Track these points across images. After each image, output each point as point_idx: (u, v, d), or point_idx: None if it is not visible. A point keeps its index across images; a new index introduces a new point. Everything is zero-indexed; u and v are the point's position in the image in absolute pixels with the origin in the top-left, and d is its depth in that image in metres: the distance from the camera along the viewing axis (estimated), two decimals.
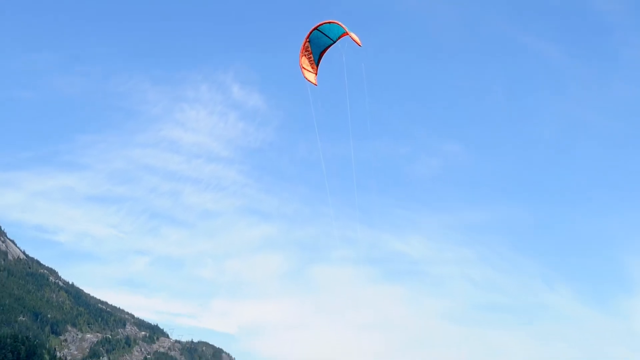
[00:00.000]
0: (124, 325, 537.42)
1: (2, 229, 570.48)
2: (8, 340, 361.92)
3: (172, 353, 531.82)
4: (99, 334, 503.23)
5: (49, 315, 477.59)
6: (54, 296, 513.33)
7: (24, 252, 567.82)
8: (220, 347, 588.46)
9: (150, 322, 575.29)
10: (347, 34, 63.98)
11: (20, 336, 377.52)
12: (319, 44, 66.25)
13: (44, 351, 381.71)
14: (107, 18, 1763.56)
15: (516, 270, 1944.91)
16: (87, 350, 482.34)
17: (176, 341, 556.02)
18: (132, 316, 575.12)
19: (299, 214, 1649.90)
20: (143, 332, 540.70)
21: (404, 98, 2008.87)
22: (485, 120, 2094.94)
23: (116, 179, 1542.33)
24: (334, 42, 66.53)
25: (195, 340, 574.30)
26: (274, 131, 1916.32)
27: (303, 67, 67.99)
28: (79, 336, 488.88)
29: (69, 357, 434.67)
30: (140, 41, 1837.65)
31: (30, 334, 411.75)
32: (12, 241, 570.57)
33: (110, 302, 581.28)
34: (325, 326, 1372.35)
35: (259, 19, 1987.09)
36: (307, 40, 66.92)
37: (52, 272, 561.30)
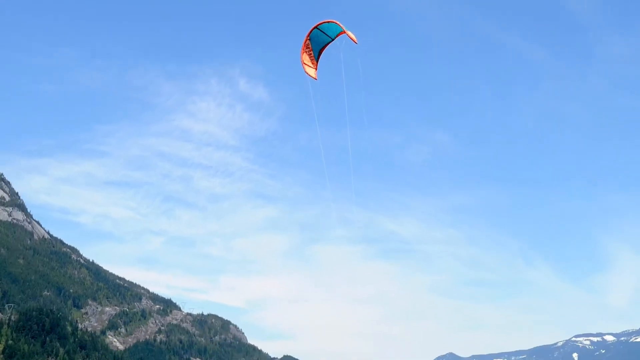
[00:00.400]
0: (140, 299, 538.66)
1: (29, 210, 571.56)
2: (34, 313, 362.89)
3: (184, 325, 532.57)
4: (117, 307, 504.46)
5: (71, 290, 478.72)
6: (76, 273, 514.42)
7: (48, 232, 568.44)
8: (228, 320, 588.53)
9: (164, 296, 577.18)
10: (345, 32, 63.77)
11: (44, 309, 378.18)
12: (318, 42, 66.00)
13: (66, 323, 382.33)
14: (125, 17, 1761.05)
15: (499, 248, 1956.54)
16: (106, 322, 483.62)
17: (188, 314, 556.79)
18: (148, 291, 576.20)
19: (301, 197, 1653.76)
20: (157, 306, 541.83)
21: (397, 91, 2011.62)
22: (471, 112, 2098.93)
23: (133, 165, 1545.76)
24: (333, 39, 66.27)
25: (205, 313, 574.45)
26: (277, 121, 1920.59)
27: (304, 63, 67.78)
28: (99, 309, 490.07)
29: (89, 329, 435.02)
30: (155, 38, 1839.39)
31: (54, 307, 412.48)
32: (38, 222, 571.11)
33: (127, 278, 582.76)
34: (324, 300, 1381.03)
35: (264, 19, 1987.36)
36: (308, 38, 66.66)
37: (74, 250, 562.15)
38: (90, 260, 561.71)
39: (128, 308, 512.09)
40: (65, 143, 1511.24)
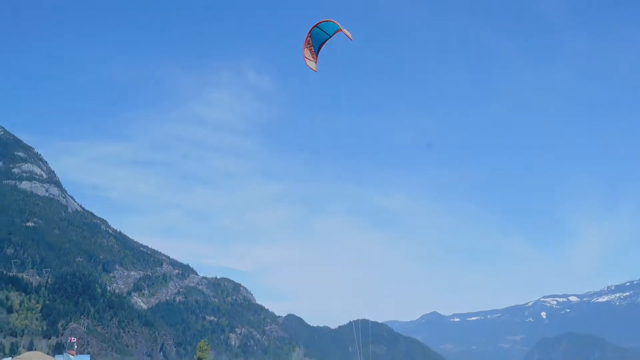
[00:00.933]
0: (161, 264, 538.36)
1: (64, 187, 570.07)
2: (68, 277, 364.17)
3: (200, 287, 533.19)
4: (141, 272, 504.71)
5: (100, 257, 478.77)
6: (105, 241, 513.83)
7: (81, 206, 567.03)
8: (238, 282, 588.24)
9: (182, 262, 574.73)
10: (341, 30, 63.28)
11: (77, 273, 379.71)
12: (318, 38, 65.44)
13: (96, 285, 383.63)
14: (149, 17, 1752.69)
15: (476, 219, 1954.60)
16: (132, 284, 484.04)
17: (203, 277, 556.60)
18: (168, 257, 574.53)
19: (302, 175, 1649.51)
20: (176, 270, 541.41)
21: (387, 81, 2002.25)
22: (452, 100, 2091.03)
23: (155, 147, 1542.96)
24: (331, 36, 65.67)
25: (218, 277, 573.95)
26: (281, 108, 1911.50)
27: (305, 57, 67.16)
28: (125, 273, 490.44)
29: (117, 290, 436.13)
30: (174, 35, 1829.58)
31: (86, 271, 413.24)
32: (72, 197, 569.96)
33: (150, 246, 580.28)
34: (322, 265, 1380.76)
35: (270, 19, 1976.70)
36: (309, 35, 66.05)
37: (104, 221, 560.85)
38: (118, 231, 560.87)
39: (151, 272, 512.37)
40: (96, 127, 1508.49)
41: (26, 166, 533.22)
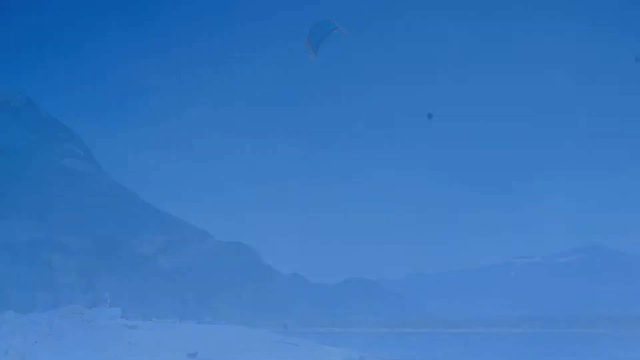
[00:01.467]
0: (184, 230, 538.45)
1: (99, 163, 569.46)
2: (103, 240, 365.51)
3: (217, 249, 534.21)
4: (166, 236, 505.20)
5: (131, 223, 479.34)
6: (135, 210, 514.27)
7: (114, 180, 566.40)
8: (249, 245, 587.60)
9: (201, 227, 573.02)
10: (337, 27, 63.59)
11: (111, 237, 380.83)
12: (318, 35, 65.74)
13: (127, 248, 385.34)
14: (176, 19, 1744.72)
15: (455, 189, 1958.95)
16: (157, 247, 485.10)
17: (219, 241, 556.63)
18: (189, 224, 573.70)
19: (303, 150, 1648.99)
20: (196, 235, 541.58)
21: (378, 75, 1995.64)
22: (432, 85, 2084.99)
23: (178, 128, 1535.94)
24: (329, 33, 65.93)
25: (232, 241, 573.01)
26: (287, 93, 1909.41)
27: (307, 50, 67.43)
28: (152, 237, 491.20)
29: (145, 252, 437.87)
30: (194, 33, 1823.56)
31: (118, 236, 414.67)
32: (106, 172, 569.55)
33: (173, 215, 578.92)
34: (322, 230, 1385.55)
35: (278, 18, 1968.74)
36: (310, 32, 66.28)
37: (134, 194, 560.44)
38: (146, 202, 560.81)
39: (174, 236, 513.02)
40: (128, 112, 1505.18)
41: (67, 145, 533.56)
